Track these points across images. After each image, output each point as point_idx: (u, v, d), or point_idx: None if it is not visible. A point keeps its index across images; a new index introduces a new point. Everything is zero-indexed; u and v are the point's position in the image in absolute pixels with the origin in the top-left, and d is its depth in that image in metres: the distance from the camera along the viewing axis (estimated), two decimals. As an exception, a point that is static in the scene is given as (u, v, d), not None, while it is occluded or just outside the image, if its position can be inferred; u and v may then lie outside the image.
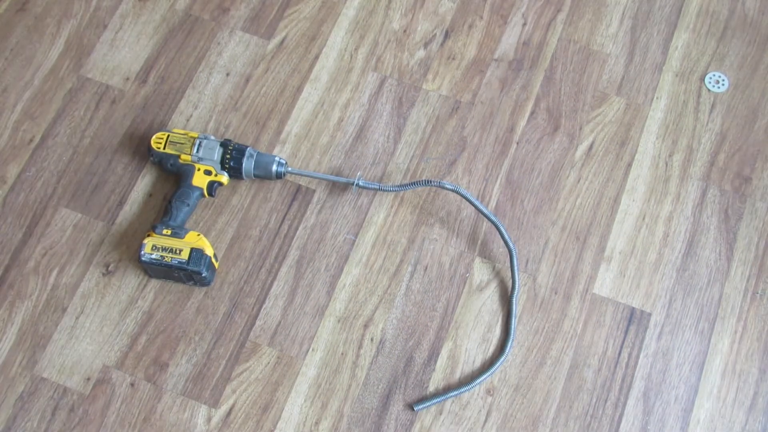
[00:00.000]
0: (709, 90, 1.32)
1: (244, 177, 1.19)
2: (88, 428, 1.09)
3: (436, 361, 1.14)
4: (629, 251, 1.21)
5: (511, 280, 1.17)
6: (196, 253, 1.10)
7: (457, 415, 1.11)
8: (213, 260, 1.14)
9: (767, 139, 1.28)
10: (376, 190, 1.20)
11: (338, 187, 1.23)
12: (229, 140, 1.18)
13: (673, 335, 1.16)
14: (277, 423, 1.10)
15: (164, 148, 1.18)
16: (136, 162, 1.23)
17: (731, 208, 1.24)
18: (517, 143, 1.27)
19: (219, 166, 1.17)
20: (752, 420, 1.12)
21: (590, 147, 1.27)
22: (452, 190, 1.17)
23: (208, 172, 1.17)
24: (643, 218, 1.23)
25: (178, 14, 1.34)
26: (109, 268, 1.17)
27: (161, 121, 1.26)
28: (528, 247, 1.21)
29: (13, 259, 1.17)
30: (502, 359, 1.13)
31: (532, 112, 1.29)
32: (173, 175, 1.21)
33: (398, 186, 1.19)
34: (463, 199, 1.21)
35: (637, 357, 1.15)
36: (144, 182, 1.22)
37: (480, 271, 1.19)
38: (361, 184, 1.19)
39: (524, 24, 1.35)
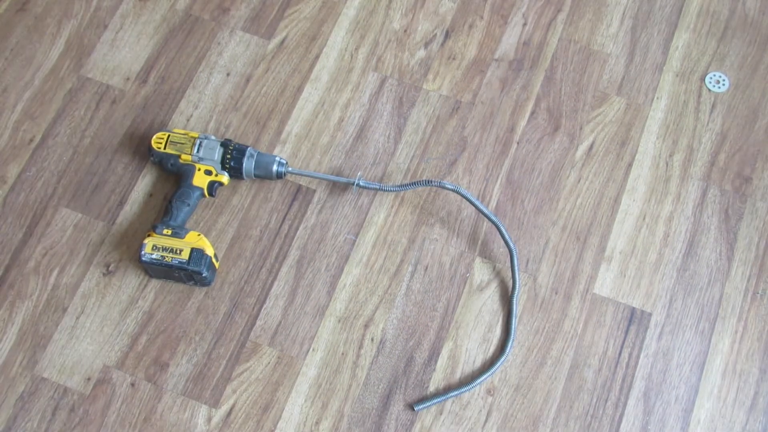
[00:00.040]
0: (709, 90, 1.31)
1: (245, 177, 1.19)
2: (88, 428, 1.09)
3: (436, 361, 1.14)
4: (630, 251, 1.21)
5: (511, 280, 1.17)
6: (197, 253, 1.10)
7: (457, 415, 1.11)
8: (213, 260, 1.14)
9: (767, 139, 1.28)
10: (376, 190, 1.20)
11: (339, 187, 1.23)
12: (230, 140, 1.18)
13: (673, 335, 1.16)
14: (277, 423, 1.10)
15: (165, 148, 1.18)
16: (136, 162, 1.23)
17: (732, 208, 1.24)
18: (518, 143, 1.27)
19: (219, 166, 1.17)
20: (753, 420, 1.12)
21: (590, 147, 1.27)
22: (453, 190, 1.17)
23: (208, 172, 1.17)
24: (644, 218, 1.23)
25: (179, 14, 1.34)
26: (110, 268, 1.17)
27: (161, 121, 1.26)
28: (528, 247, 1.21)
29: (13, 259, 1.17)
30: (502, 359, 1.13)
31: (533, 112, 1.29)
32: (174, 175, 1.21)
33: (399, 186, 1.19)
34: (464, 199, 1.21)
35: (638, 357, 1.15)
36: (144, 182, 1.22)
37: (480, 271, 1.19)
38: (361, 184, 1.19)
39: (524, 24, 1.35)
